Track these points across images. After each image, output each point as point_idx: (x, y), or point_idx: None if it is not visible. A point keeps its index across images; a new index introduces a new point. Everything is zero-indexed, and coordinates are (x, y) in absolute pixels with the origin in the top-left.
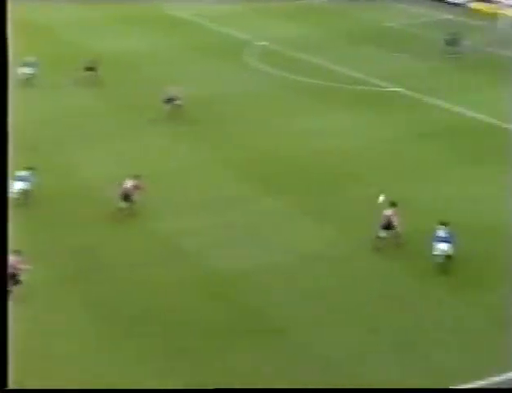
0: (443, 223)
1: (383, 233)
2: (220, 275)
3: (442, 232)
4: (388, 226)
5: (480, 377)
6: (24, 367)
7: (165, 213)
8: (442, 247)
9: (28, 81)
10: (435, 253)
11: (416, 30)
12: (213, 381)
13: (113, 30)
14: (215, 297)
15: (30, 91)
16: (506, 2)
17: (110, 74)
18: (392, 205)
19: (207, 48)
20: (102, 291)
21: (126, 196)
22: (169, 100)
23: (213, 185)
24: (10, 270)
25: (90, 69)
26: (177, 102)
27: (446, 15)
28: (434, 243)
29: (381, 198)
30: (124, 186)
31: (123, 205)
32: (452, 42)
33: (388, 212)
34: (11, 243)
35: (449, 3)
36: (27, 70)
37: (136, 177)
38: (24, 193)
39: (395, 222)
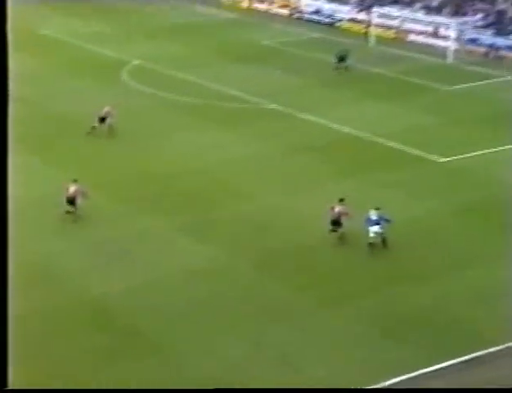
0: (376, 208)
1: (332, 228)
2: (96, 298)
3: (373, 216)
4: (336, 222)
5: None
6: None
7: (29, 234)
8: (376, 229)
9: None
10: (371, 235)
11: (291, 48)
12: None
13: None
14: (92, 321)
15: None
16: (374, 21)
17: None
18: (341, 201)
19: (82, 68)
20: None
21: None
22: (103, 119)
23: (88, 206)
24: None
25: None
26: (109, 121)
27: (318, 34)
28: (368, 227)
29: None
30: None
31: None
32: (342, 58)
33: (338, 208)
34: None
35: (322, 23)
36: None
37: (75, 181)
38: None
39: (344, 218)
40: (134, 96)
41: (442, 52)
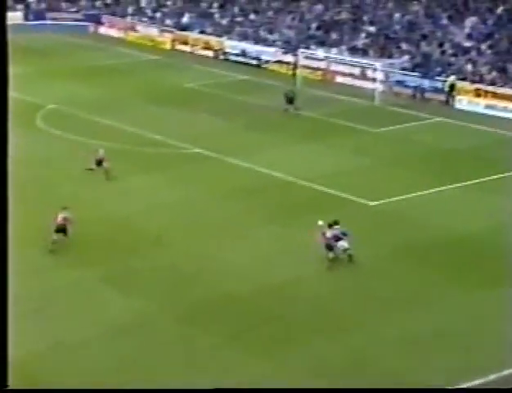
0: (336, 223)
1: (331, 254)
2: (13, 361)
3: (337, 231)
4: (330, 246)
5: None
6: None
7: None
8: (342, 244)
9: None
10: (338, 251)
11: (216, 91)
12: None
13: None
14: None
15: None
16: (300, 63)
17: None
18: (330, 226)
19: None
20: None
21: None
22: (99, 162)
23: None
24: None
25: None
26: (105, 165)
27: (244, 75)
28: (334, 243)
29: (320, 222)
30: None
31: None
32: (291, 100)
33: (328, 233)
34: None
35: (248, 65)
36: None
37: (65, 208)
38: None
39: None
40: (49, 141)
41: (369, 94)
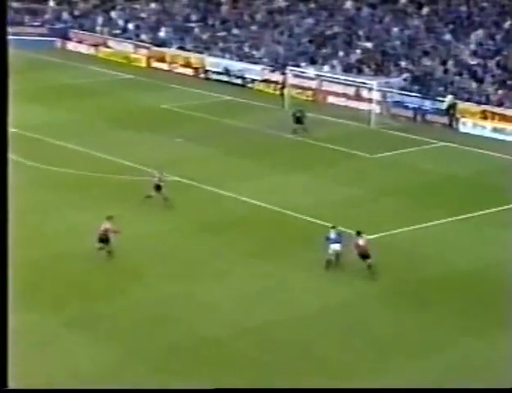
0: (333, 227)
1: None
2: None
3: (333, 235)
4: (364, 255)
5: None
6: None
7: None
8: (335, 247)
9: None
10: (329, 252)
11: (196, 113)
12: None
13: None
14: None
15: None
16: (289, 82)
17: None
18: (358, 233)
19: None
20: None
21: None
22: (158, 187)
23: None
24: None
25: None
26: (164, 191)
27: (228, 96)
28: (328, 244)
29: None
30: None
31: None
32: (299, 119)
33: (360, 241)
34: None
35: (232, 84)
36: None
37: (109, 218)
38: None
39: (369, 251)
40: (10, 169)
41: (365, 116)
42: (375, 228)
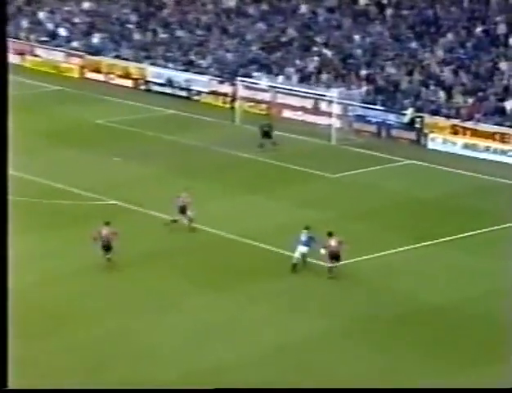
0: (307, 228)
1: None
2: None
3: (304, 237)
4: (335, 256)
5: None
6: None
7: None
8: (302, 249)
9: None
10: (295, 256)
11: (135, 129)
12: None
13: None
14: None
15: None
16: (240, 94)
17: None
18: (330, 235)
19: None
20: None
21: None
22: (183, 210)
23: None
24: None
25: None
26: (190, 213)
27: (172, 110)
28: (296, 246)
29: (322, 251)
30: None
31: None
32: (267, 133)
33: (331, 242)
34: None
35: (176, 96)
36: None
37: (107, 224)
38: None
39: (340, 252)
40: None
41: (324, 132)
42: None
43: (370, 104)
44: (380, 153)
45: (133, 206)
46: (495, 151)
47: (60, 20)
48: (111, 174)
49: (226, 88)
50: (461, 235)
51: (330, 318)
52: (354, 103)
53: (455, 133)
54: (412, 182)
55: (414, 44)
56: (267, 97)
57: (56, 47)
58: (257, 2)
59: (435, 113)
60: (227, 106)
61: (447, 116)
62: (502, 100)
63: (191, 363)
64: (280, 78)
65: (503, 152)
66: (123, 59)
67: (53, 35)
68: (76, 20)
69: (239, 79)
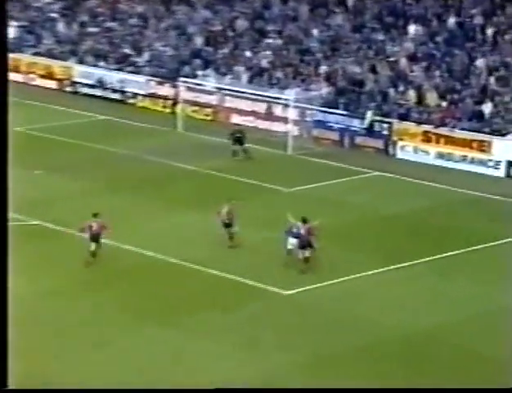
0: (304, 221)
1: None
2: None
3: (295, 228)
4: (305, 245)
5: None
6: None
7: None
8: (292, 241)
9: None
10: (288, 247)
11: (61, 137)
12: None
13: None
14: None
15: None
16: (183, 97)
17: None
18: (304, 222)
19: None
20: None
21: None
22: (228, 225)
23: None
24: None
25: None
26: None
27: (103, 115)
28: (287, 237)
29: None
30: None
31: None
32: (239, 139)
33: (301, 230)
34: None
35: (109, 99)
36: None
37: (95, 215)
38: None
39: (312, 240)
40: None
41: (279, 140)
42: (292, 282)
43: (332, 108)
44: (343, 164)
45: (59, 227)
46: (472, 161)
47: None
48: (32, 190)
49: (166, 90)
50: (434, 256)
51: (287, 352)
52: (313, 107)
53: (428, 140)
54: (379, 197)
55: (379, 36)
56: (213, 99)
57: None
58: None
59: (404, 118)
60: (168, 110)
61: (418, 122)
62: (480, 103)
63: None
64: (228, 77)
65: (481, 162)
66: (46, 56)
67: None
68: None
69: (181, 79)
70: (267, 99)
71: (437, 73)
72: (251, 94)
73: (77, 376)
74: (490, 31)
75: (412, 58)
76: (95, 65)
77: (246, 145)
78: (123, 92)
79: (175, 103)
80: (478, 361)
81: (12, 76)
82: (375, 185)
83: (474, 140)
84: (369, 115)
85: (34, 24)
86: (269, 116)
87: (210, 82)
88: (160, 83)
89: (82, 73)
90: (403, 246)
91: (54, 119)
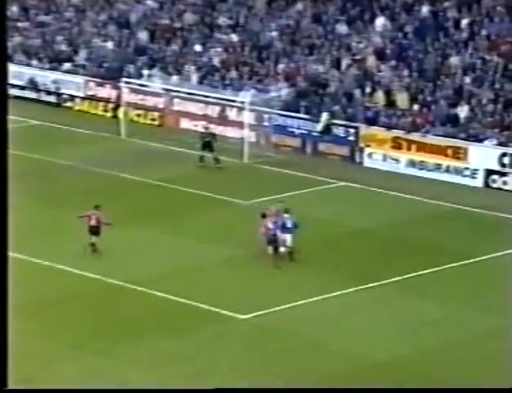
0: (286, 211)
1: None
2: None
3: (289, 222)
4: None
5: None
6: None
7: None
8: (285, 238)
9: None
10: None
11: None
12: None
13: None
14: None
15: None
16: (126, 100)
17: None
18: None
19: None
20: None
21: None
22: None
23: None
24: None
25: None
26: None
27: (35, 120)
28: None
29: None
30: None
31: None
32: (208, 144)
33: (269, 224)
34: None
35: (42, 102)
36: None
37: (96, 207)
38: None
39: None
40: None
41: (234, 147)
42: (251, 305)
43: (292, 111)
44: (305, 173)
45: None
46: (447, 170)
47: None
48: None
49: (107, 92)
50: (407, 275)
51: (243, 384)
52: (271, 110)
53: (398, 147)
54: (345, 210)
55: (343, 28)
56: (159, 102)
57: None
58: None
59: (372, 122)
60: (109, 114)
61: (387, 126)
62: (454, 105)
63: None
64: (177, 78)
65: (457, 171)
66: None
67: None
68: None
69: (123, 79)
70: (220, 101)
71: (408, 72)
72: (202, 96)
73: None
74: (465, 24)
75: (380, 55)
76: (26, 64)
77: (215, 152)
78: (58, 94)
79: (117, 106)
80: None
81: None
82: (340, 197)
83: (449, 146)
84: (324, 117)
85: None
86: (223, 121)
87: (156, 83)
88: (100, 84)
89: (11, 73)
90: (372, 265)
91: None
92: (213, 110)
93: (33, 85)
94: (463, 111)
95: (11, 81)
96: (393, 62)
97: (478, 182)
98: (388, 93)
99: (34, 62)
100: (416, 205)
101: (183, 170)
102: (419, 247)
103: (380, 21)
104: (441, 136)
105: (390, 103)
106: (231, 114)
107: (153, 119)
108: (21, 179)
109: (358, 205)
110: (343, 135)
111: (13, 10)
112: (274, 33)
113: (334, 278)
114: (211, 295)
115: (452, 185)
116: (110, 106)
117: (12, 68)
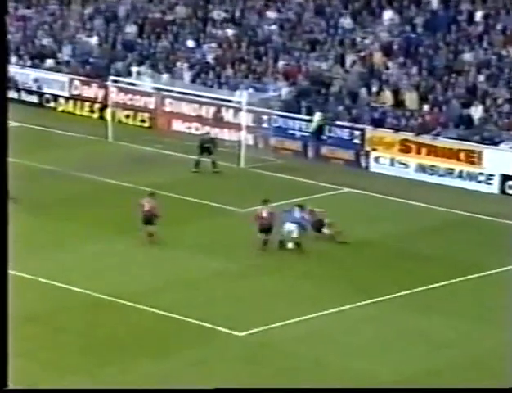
0: (299, 206)
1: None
2: None
3: (297, 213)
4: (267, 229)
5: None
6: None
7: None
8: (289, 227)
9: None
10: (283, 233)
11: None
12: None
13: None
14: None
15: None
16: (114, 100)
17: None
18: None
19: None
20: None
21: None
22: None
23: None
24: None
25: None
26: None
27: (16, 122)
28: (286, 221)
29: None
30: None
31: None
32: (206, 149)
33: (263, 212)
34: None
35: (24, 102)
36: None
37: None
38: None
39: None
40: None
41: (231, 151)
42: (245, 322)
43: (293, 112)
44: (307, 179)
45: None
46: (460, 175)
47: None
48: None
49: (93, 91)
50: (414, 290)
51: None
52: (270, 111)
53: (407, 150)
54: (349, 219)
55: (347, 22)
56: (150, 102)
57: None
58: None
59: (379, 124)
60: (95, 115)
61: (396, 128)
62: (467, 105)
63: None
64: (168, 75)
65: (471, 176)
66: None
67: None
68: None
69: (111, 77)
70: (215, 102)
71: (417, 69)
72: (196, 96)
73: None
74: (479, 17)
75: (387, 51)
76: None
77: (214, 156)
78: (40, 93)
79: (104, 107)
80: None
81: None
82: (344, 204)
83: (462, 150)
84: (316, 117)
85: None
86: (218, 122)
87: (146, 81)
88: (86, 83)
89: None
90: (377, 278)
91: None
92: (208, 111)
93: (12, 84)
94: (477, 112)
95: None
96: (402, 59)
97: (494, 188)
98: (395, 93)
99: (14, 59)
100: (426, 214)
101: (175, 176)
102: (428, 259)
103: (387, 14)
104: (453, 138)
105: (398, 103)
106: (227, 115)
107: (143, 121)
108: None
109: (363, 214)
110: (347, 138)
111: None
112: (273, 28)
113: (336, 293)
114: (205, 310)
115: (465, 191)
116: (97, 106)
117: None
